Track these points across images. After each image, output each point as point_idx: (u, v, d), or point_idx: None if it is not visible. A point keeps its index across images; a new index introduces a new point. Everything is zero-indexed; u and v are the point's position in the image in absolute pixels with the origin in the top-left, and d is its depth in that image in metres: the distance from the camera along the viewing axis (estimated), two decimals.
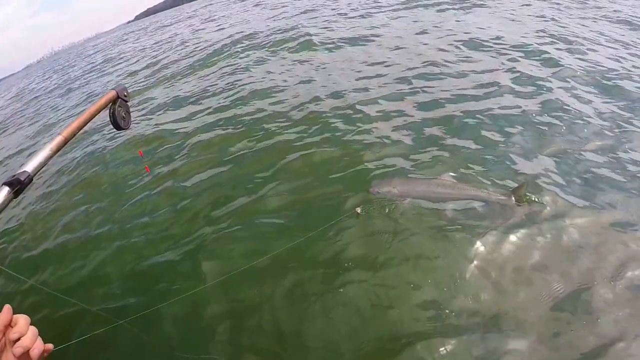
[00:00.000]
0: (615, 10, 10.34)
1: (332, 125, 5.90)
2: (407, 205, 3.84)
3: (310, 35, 11.77)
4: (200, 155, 6.20)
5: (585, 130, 4.96)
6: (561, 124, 5.11)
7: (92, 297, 4.03)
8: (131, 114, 2.21)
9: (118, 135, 8.14)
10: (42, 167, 1.67)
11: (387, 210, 3.84)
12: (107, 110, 2.13)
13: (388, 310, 3.06)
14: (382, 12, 13.49)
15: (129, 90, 2.20)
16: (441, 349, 2.72)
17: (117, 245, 4.71)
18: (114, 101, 2.15)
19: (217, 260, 3.94)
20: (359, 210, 3.84)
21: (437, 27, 10.31)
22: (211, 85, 9.75)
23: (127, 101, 2.18)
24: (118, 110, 2.13)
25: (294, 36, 12.24)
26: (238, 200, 4.75)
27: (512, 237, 3.47)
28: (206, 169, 5.70)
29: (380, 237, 3.63)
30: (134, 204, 5.47)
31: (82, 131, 2.03)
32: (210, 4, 37.41)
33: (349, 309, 3.13)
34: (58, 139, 1.94)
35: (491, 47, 8.14)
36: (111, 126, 2.13)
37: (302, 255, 3.65)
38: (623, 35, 8.58)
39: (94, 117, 2.09)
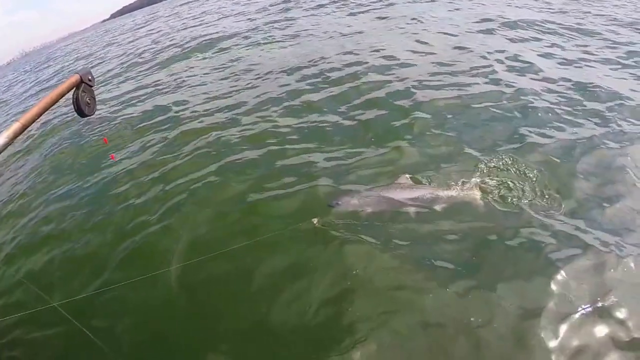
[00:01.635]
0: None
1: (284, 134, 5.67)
2: (368, 214, 3.67)
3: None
4: (167, 146, 6.06)
5: (539, 120, 4.99)
6: (514, 115, 5.12)
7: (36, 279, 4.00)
8: (96, 99, 2.08)
9: (82, 122, 7.86)
10: None
11: (345, 221, 3.64)
12: (70, 96, 2.00)
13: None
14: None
15: (93, 75, 2.06)
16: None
17: (66, 232, 4.65)
18: (77, 86, 2.01)
19: (158, 255, 3.86)
20: (315, 221, 3.63)
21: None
22: (177, 80, 9.64)
23: (91, 86, 2.05)
24: (82, 95, 2.00)
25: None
26: (199, 192, 4.64)
27: (476, 234, 3.38)
28: (173, 160, 5.55)
29: (330, 248, 3.45)
30: (97, 192, 5.33)
31: (42, 118, 1.90)
32: (187, 2, 36.74)
33: (282, 312, 3.06)
34: (15, 126, 1.81)
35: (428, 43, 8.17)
36: (75, 112, 2.00)
37: (245, 260, 3.51)
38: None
39: (55, 103, 1.96)
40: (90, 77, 2.05)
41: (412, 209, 3.65)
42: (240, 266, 3.48)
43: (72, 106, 1.97)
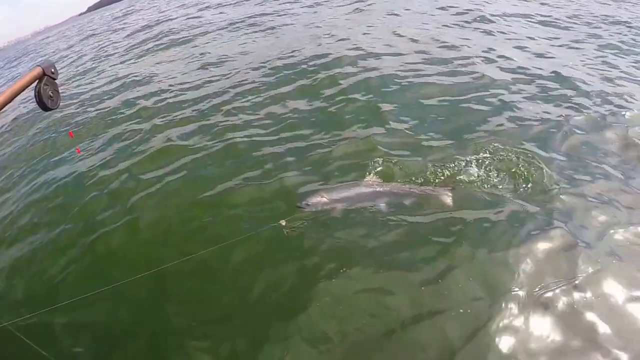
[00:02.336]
0: None
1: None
2: (337, 214, 3.67)
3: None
4: (134, 141, 6.02)
5: (509, 109, 5.09)
6: (486, 106, 5.20)
7: None
8: (60, 93, 2.02)
9: (46, 116, 7.77)
10: None
11: (313, 222, 3.65)
12: (33, 89, 1.94)
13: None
14: None
15: (57, 67, 2.01)
16: None
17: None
18: (39, 79, 1.96)
19: (117, 263, 3.83)
20: (283, 222, 3.54)
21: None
22: (147, 74, 9.54)
23: (54, 79, 2.00)
24: (44, 88, 1.95)
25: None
26: (163, 192, 4.60)
27: (446, 227, 3.42)
28: (139, 154, 5.55)
29: (298, 250, 3.47)
30: (59, 189, 5.27)
31: (1, 112, 1.85)
32: None
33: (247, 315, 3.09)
34: None
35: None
36: (37, 106, 1.95)
37: (212, 264, 3.50)
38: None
39: (16, 96, 1.91)
40: (53, 70, 1.99)
41: (381, 207, 3.66)
42: (206, 274, 3.45)
43: (34, 100, 1.92)
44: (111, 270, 3.68)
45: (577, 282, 2.85)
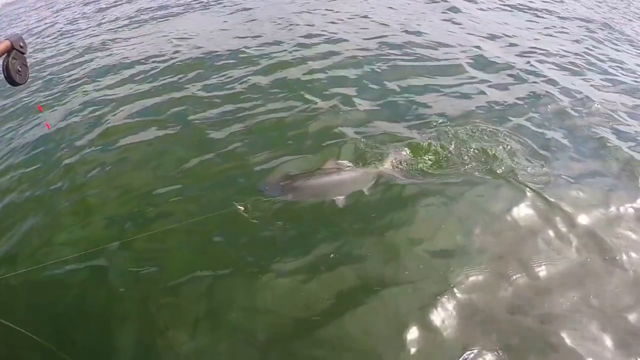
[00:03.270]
0: None
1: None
2: (296, 198, 3.70)
3: None
4: (103, 115, 5.92)
5: (468, 92, 5.41)
6: (447, 90, 5.47)
7: None
8: (28, 66, 1.99)
9: (13, 90, 7.46)
10: None
11: (272, 207, 3.66)
12: (0, 63, 1.91)
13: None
14: None
15: (25, 41, 1.97)
16: None
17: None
18: (8, 52, 1.93)
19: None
20: (242, 207, 3.55)
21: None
22: (119, 48, 9.29)
23: (23, 53, 1.97)
24: (12, 62, 1.92)
25: None
26: (124, 167, 4.62)
27: (406, 210, 3.59)
28: (111, 128, 5.48)
29: (259, 234, 3.51)
30: (26, 164, 5.16)
31: None
32: None
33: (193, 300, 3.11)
34: None
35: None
36: (4, 80, 1.91)
37: (160, 246, 3.51)
38: None
39: None
40: (22, 44, 1.97)
41: (341, 192, 3.72)
42: (152, 255, 3.45)
43: (1, 74, 1.89)
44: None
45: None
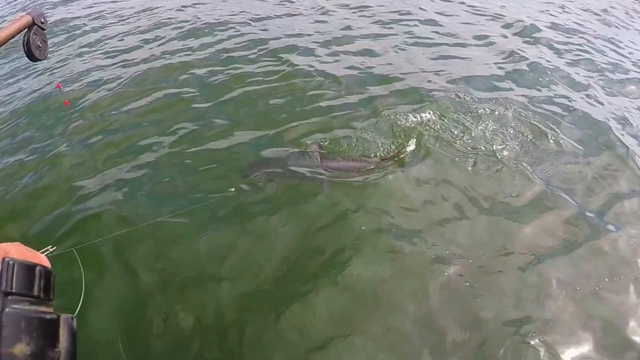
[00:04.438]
0: None
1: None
2: (281, 182, 3.82)
3: None
4: (123, 93, 6.04)
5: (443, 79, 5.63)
6: (423, 74, 5.73)
7: None
8: (48, 42, 1.99)
9: (33, 66, 7.51)
10: None
11: (260, 190, 3.78)
12: (21, 38, 1.91)
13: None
14: None
15: (46, 17, 1.97)
16: None
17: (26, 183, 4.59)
18: (29, 28, 1.92)
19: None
20: (232, 190, 3.72)
21: None
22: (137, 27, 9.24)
23: (44, 29, 1.95)
24: (33, 38, 1.91)
25: None
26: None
27: (389, 199, 3.71)
28: (127, 105, 5.62)
29: (253, 218, 3.61)
30: (49, 139, 5.26)
31: None
32: None
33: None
34: None
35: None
36: (24, 56, 1.91)
37: (162, 235, 3.59)
38: None
39: (3, 44, 1.87)
40: (42, 20, 1.95)
41: (325, 177, 3.81)
42: (154, 244, 3.54)
43: (21, 49, 1.89)
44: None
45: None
